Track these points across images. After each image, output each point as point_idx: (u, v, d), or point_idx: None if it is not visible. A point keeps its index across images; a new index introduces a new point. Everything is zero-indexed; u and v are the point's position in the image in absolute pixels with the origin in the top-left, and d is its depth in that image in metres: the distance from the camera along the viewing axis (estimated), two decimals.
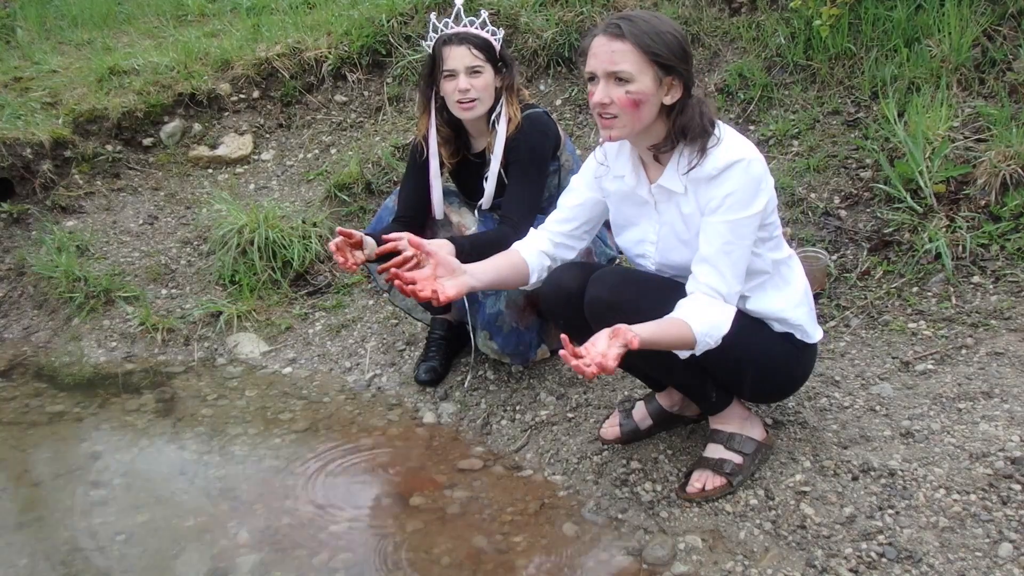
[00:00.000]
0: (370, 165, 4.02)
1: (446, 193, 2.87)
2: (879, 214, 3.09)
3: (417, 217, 2.81)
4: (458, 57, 2.57)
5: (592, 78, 1.99)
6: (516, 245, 2.31)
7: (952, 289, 2.84)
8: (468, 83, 2.58)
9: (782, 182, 3.29)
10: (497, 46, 2.63)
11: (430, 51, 2.65)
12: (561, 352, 1.75)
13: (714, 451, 2.30)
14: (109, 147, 4.30)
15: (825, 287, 2.98)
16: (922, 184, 2.99)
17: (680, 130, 2.00)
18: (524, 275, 2.27)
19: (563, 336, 1.77)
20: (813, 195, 3.27)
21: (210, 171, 4.37)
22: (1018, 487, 2.07)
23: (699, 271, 2.01)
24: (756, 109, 3.65)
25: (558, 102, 4.12)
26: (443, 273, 2.05)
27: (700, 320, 1.95)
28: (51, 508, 2.52)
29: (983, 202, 2.93)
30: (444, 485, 2.50)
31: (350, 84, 4.47)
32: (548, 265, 2.29)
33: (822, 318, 2.88)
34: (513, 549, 2.21)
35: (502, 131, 2.65)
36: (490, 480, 2.51)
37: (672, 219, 2.11)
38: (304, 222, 3.77)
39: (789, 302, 2.17)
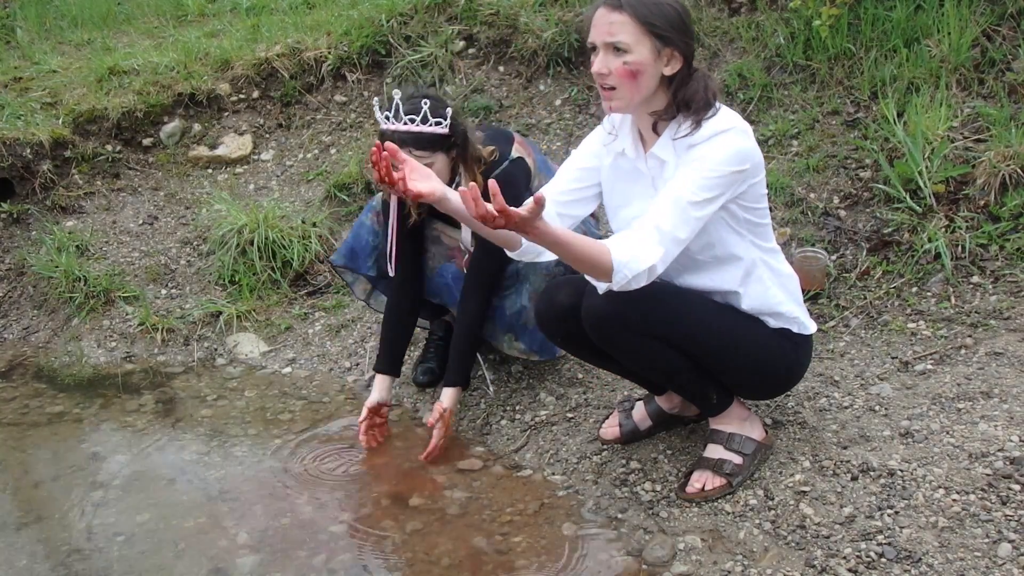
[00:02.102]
0: (370, 165, 4.01)
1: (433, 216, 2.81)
2: (878, 214, 3.10)
3: (417, 278, 2.80)
4: None
5: (593, 48, 2.00)
6: None
7: (951, 289, 2.84)
8: None
9: (782, 182, 3.29)
10: (445, 130, 2.44)
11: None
12: (461, 190, 1.69)
13: (714, 451, 2.30)
14: (109, 147, 4.30)
15: (825, 287, 2.98)
16: (921, 184, 2.99)
17: (683, 102, 2.01)
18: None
19: (469, 187, 1.67)
20: (812, 195, 3.27)
21: (210, 171, 4.36)
22: (1017, 487, 2.07)
23: (651, 208, 1.97)
24: (756, 109, 3.65)
25: (557, 102, 4.11)
26: (416, 177, 2.04)
27: (621, 249, 1.89)
28: (51, 508, 2.53)
29: (982, 202, 2.93)
30: (444, 485, 2.50)
31: (350, 84, 4.47)
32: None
33: (822, 318, 2.89)
34: (513, 549, 2.21)
35: None
36: (490, 480, 2.51)
37: None
38: (304, 222, 3.77)
39: (781, 295, 2.18)
